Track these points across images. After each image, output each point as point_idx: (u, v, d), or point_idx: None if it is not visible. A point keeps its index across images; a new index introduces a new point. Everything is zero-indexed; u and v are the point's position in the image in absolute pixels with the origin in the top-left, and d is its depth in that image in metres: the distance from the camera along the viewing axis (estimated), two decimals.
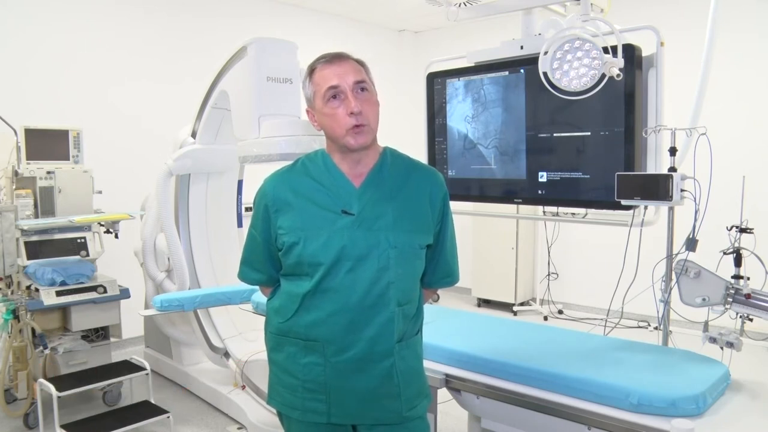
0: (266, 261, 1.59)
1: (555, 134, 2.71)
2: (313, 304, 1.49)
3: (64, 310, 3.46)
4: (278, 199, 1.52)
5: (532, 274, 5.96)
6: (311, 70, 1.51)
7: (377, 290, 1.47)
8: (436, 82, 3.13)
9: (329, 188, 1.52)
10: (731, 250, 2.01)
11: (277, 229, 1.52)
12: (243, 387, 3.43)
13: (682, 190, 2.20)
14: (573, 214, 2.83)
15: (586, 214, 2.74)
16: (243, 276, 1.67)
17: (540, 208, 2.96)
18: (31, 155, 3.48)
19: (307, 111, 1.55)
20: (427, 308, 1.98)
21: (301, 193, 1.52)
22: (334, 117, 1.46)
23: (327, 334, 1.48)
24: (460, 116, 3.05)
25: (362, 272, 1.46)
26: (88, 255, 3.52)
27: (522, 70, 2.77)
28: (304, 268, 1.48)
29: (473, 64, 2.97)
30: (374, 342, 1.48)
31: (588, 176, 2.62)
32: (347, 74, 1.46)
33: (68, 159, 3.60)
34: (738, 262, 2.00)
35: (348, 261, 1.46)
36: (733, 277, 1.98)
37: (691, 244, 2.16)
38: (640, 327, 4.95)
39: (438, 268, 1.65)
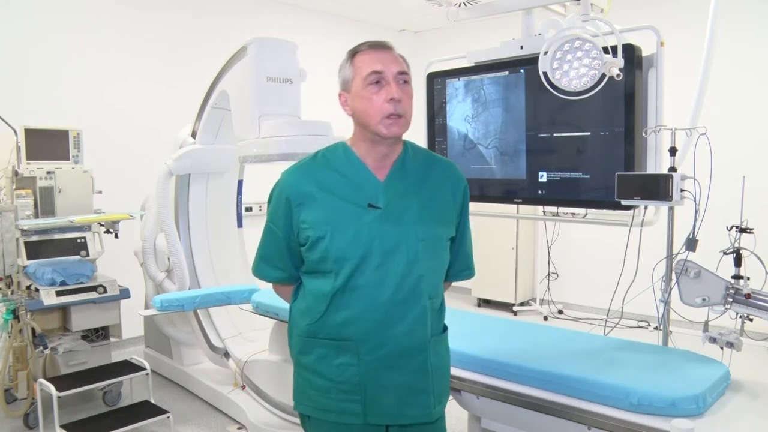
0: (286, 257, 1.54)
1: (555, 134, 2.71)
2: (342, 303, 1.45)
3: (64, 310, 3.45)
4: (301, 192, 1.48)
5: (532, 274, 5.96)
6: (353, 53, 1.49)
7: (409, 284, 1.45)
8: (436, 82, 3.13)
9: (354, 181, 1.49)
10: (731, 250, 2.01)
11: (300, 224, 1.47)
12: (243, 387, 3.43)
13: (682, 190, 2.20)
14: (573, 214, 2.83)
15: (586, 214, 2.74)
16: (261, 274, 1.61)
17: (540, 208, 2.96)
18: (31, 155, 3.48)
19: (340, 94, 1.52)
20: None
21: (325, 185, 1.48)
22: (370, 102, 1.43)
23: (360, 333, 1.45)
24: (460, 116, 3.05)
25: (392, 267, 1.44)
26: (88, 255, 3.52)
27: (522, 70, 2.77)
28: (329, 264, 1.44)
29: (473, 64, 2.97)
30: (408, 337, 1.46)
31: (588, 176, 2.62)
32: (392, 63, 1.45)
33: (68, 159, 3.60)
34: (738, 262, 1.99)
35: (376, 256, 1.43)
36: (733, 277, 1.98)
37: (691, 244, 2.16)
38: (640, 327, 4.95)
39: (457, 261, 1.63)
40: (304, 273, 1.55)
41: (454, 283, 1.74)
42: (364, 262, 1.43)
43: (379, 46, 1.47)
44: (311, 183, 1.48)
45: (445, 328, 1.61)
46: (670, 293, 2.24)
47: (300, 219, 1.47)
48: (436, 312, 1.54)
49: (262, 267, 1.60)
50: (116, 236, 3.68)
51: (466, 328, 2.46)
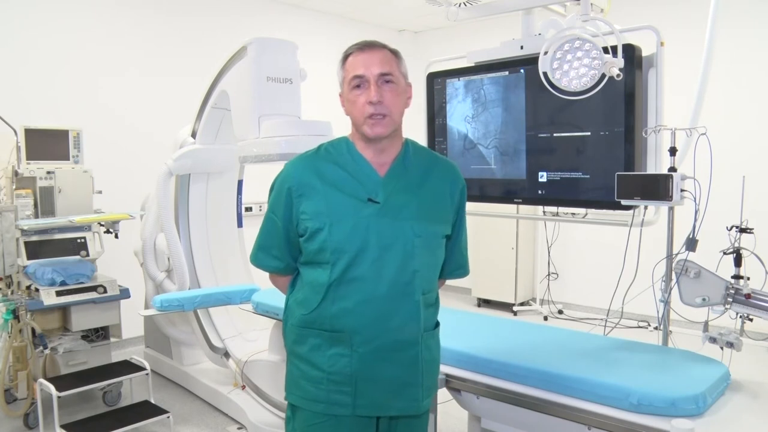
0: (284, 247, 1.57)
1: (555, 134, 2.71)
2: (338, 295, 1.48)
3: (64, 310, 3.45)
4: (303, 183, 1.52)
5: (532, 274, 5.96)
6: (345, 56, 1.53)
7: (404, 279, 1.48)
8: (436, 82, 3.13)
9: (354, 175, 1.52)
10: (731, 250, 2.01)
11: (300, 214, 1.51)
12: (243, 387, 3.43)
13: (682, 190, 2.20)
14: (573, 214, 2.83)
15: (586, 214, 2.74)
16: (259, 262, 1.64)
17: (540, 208, 2.96)
18: (31, 155, 3.48)
19: (339, 95, 1.58)
20: None
21: (326, 178, 1.52)
22: (355, 104, 1.50)
23: (354, 325, 1.48)
24: (460, 116, 3.05)
25: (388, 261, 1.47)
26: (88, 255, 3.52)
27: (522, 70, 2.77)
28: (327, 255, 1.47)
29: (473, 64, 2.97)
30: (400, 331, 1.50)
31: (588, 176, 2.62)
32: (373, 65, 1.48)
33: (68, 159, 3.60)
34: (738, 262, 2.00)
35: (374, 250, 1.47)
36: (733, 277, 1.98)
37: (691, 244, 2.16)
38: (640, 327, 4.95)
39: (452, 259, 1.67)
40: (301, 264, 1.58)
41: (453, 283, 1.76)
42: (361, 254, 1.46)
43: (366, 47, 1.51)
44: (313, 175, 1.52)
45: (437, 324, 1.64)
46: (670, 293, 2.24)
47: (300, 210, 1.51)
48: (429, 307, 1.58)
49: (261, 256, 1.63)
50: (116, 236, 3.68)
51: (466, 328, 2.46)
